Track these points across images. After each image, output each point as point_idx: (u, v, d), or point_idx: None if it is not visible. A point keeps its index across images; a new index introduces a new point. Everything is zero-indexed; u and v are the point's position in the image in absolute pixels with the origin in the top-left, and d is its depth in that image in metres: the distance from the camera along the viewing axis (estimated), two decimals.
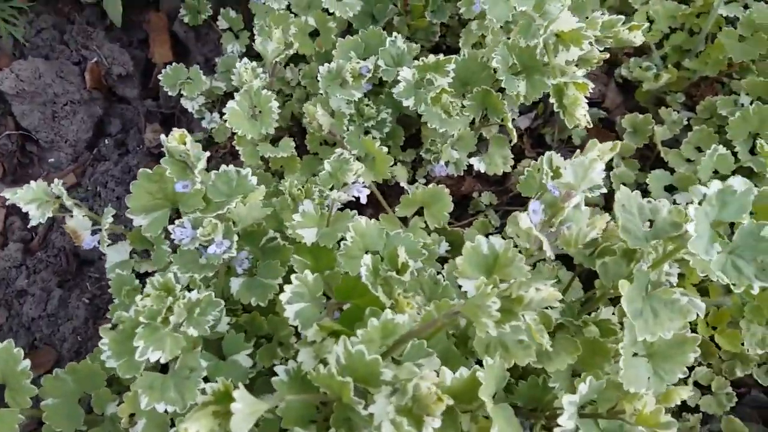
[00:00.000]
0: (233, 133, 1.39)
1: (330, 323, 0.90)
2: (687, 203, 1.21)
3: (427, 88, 1.32)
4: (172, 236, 1.04)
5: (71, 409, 1.13)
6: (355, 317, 0.94)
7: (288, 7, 1.66)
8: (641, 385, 0.99)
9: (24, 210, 1.23)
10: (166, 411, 0.93)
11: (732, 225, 0.98)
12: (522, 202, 1.64)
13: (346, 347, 0.78)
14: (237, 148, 1.40)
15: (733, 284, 0.93)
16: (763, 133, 1.50)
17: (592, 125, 1.75)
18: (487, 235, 1.01)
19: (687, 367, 1.39)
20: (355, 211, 1.18)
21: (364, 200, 1.08)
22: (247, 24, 1.93)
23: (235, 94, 1.38)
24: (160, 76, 1.76)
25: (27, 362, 1.06)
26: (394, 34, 1.45)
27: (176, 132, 1.07)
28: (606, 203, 1.55)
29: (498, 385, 0.94)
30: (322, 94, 1.41)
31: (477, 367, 0.91)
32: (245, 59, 1.39)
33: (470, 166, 1.51)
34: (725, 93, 1.72)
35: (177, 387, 0.94)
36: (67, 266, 1.73)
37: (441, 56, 1.36)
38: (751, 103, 1.55)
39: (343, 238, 1.04)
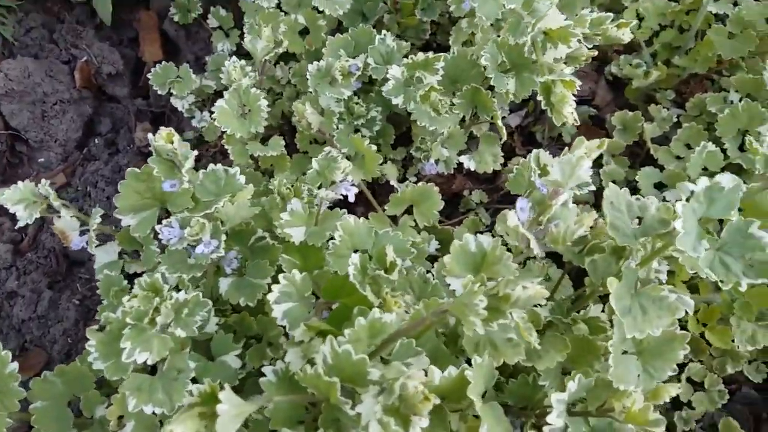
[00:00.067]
0: (223, 132, 1.38)
1: (317, 323, 0.90)
2: (675, 200, 1.22)
3: (416, 86, 1.32)
4: (160, 236, 1.04)
5: (60, 411, 1.12)
6: (344, 317, 0.94)
7: (278, 5, 1.65)
8: (631, 383, 0.99)
9: (11, 211, 1.22)
10: (154, 413, 0.92)
11: (721, 222, 0.98)
12: (513, 200, 1.63)
13: (333, 347, 0.78)
14: (226, 147, 1.39)
15: (721, 281, 0.93)
16: (752, 130, 1.51)
17: (582, 123, 1.76)
18: (477, 234, 1.01)
19: (679, 364, 1.40)
20: (345, 210, 1.18)
21: (352, 198, 1.08)
22: (237, 22, 1.92)
23: (224, 92, 1.38)
24: (149, 75, 1.75)
25: (15, 365, 1.05)
26: (384, 32, 1.45)
27: (163, 131, 1.07)
28: (596, 201, 1.55)
29: (487, 384, 0.94)
30: (311, 92, 1.40)
31: (466, 366, 0.91)
32: (234, 57, 1.39)
33: (460, 164, 1.51)
34: (715, 90, 1.72)
35: (165, 388, 0.93)
36: (57, 267, 1.72)
37: (430, 54, 1.35)
38: (740, 100, 1.56)
39: (331, 237, 1.04)
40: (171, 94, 1.75)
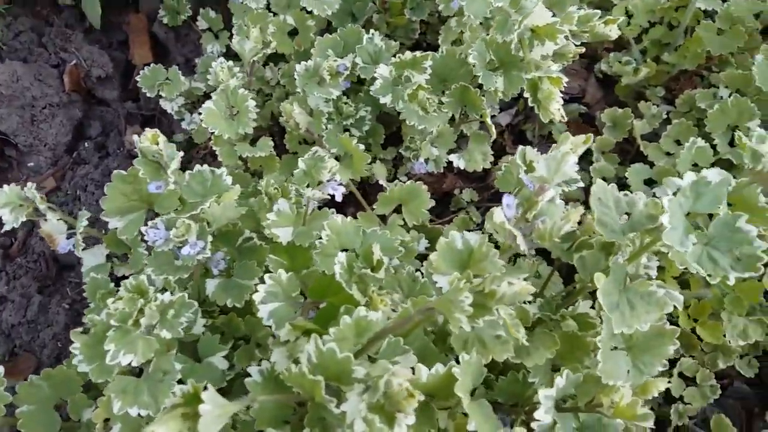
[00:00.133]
0: (213, 134, 1.38)
1: (303, 322, 0.89)
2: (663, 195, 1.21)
3: (404, 85, 1.32)
4: (146, 237, 1.03)
5: (47, 415, 1.11)
6: (330, 316, 0.93)
7: (267, 7, 1.65)
8: (620, 378, 0.98)
9: None
10: (139, 415, 0.91)
11: (711, 217, 0.97)
12: None
13: (318, 345, 0.78)
14: (214, 148, 1.39)
15: (709, 275, 0.93)
16: (742, 125, 1.51)
17: (572, 120, 1.76)
18: (466, 232, 1.00)
19: (671, 359, 1.39)
20: (333, 210, 1.17)
21: (339, 198, 1.07)
22: (226, 24, 1.92)
23: (212, 94, 1.37)
24: (138, 77, 1.74)
25: (0, 369, 1.05)
26: (372, 31, 1.45)
27: (149, 132, 1.06)
28: (586, 198, 1.55)
29: (475, 381, 0.94)
30: (299, 92, 1.40)
31: (453, 363, 0.90)
32: (221, 58, 1.38)
33: (450, 164, 1.50)
34: (704, 86, 1.73)
35: (150, 390, 0.92)
36: (47, 272, 1.71)
37: (418, 53, 1.35)
38: (729, 96, 1.56)
39: (319, 237, 1.03)
40: (160, 97, 1.74)
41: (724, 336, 1.35)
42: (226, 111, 1.37)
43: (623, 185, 1.53)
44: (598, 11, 1.32)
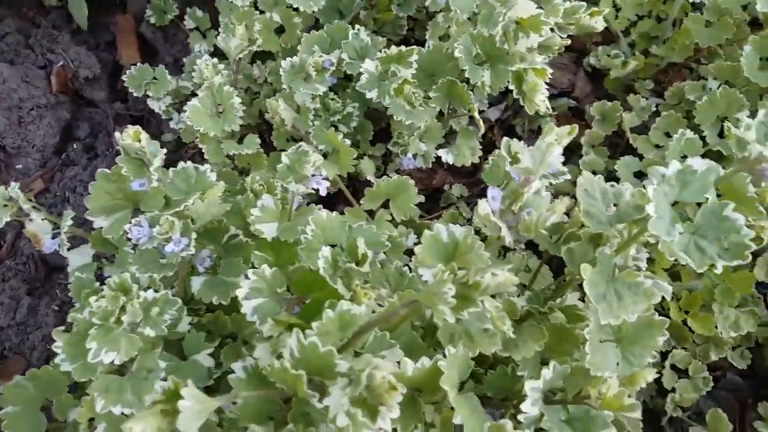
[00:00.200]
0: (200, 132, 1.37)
1: (286, 317, 0.88)
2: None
3: (390, 79, 1.31)
4: (129, 235, 1.02)
5: (33, 416, 1.10)
6: (315, 311, 0.92)
7: (254, 4, 1.64)
8: (609, 370, 0.97)
9: None
10: (123, 414, 0.90)
11: (700, 206, 0.97)
12: None
13: (299, 340, 0.77)
14: (200, 146, 1.38)
15: (696, 265, 0.92)
16: (731, 116, 1.50)
17: (562, 115, 1.75)
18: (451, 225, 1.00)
19: (663, 351, 1.39)
20: (320, 206, 1.17)
21: (323, 192, 1.06)
22: (214, 23, 1.91)
23: (198, 91, 1.37)
24: (124, 77, 1.73)
25: None
26: (357, 26, 1.44)
27: (131, 129, 1.05)
28: (576, 191, 1.54)
29: (462, 375, 0.93)
30: (285, 89, 1.39)
31: (439, 356, 0.90)
32: (206, 56, 1.38)
33: (440, 159, 1.50)
34: (693, 78, 1.72)
35: (134, 389, 0.91)
36: (35, 273, 1.70)
37: (404, 48, 1.34)
38: (718, 88, 1.55)
39: (304, 232, 1.02)
40: (147, 96, 1.73)
41: (716, 327, 1.34)
42: (212, 109, 1.36)
43: (613, 178, 1.52)
44: (584, 3, 1.32)
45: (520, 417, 0.88)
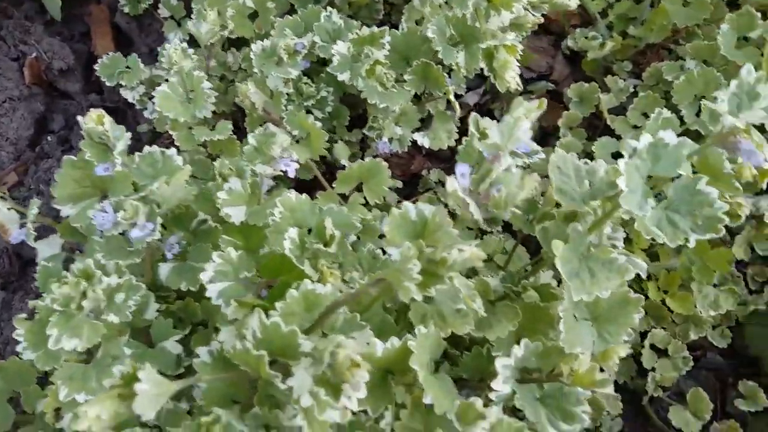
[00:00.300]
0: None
1: (251, 299, 0.86)
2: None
3: (363, 61, 1.29)
4: (93, 221, 1.00)
5: (0, 408, 1.08)
6: (282, 294, 0.90)
7: None
8: (584, 348, 0.96)
9: None
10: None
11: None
12: None
13: (261, 320, 0.75)
14: (171, 132, 1.35)
15: (669, 239, 0.91)
16: (709, 95, 1.49)
17: (539, 98, 1.74)
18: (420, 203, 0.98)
19: (643, 331, 1.38)
20: (293, 190, 1.14)
21: (291, 174, 1.04)
22: (189, 11, 1.87)
23: (167, 77, 1.34)
24: (96, 66, 1.70)
25: None
26: (329, 8, 1.42)
27: (93, 112, 1.03)
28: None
29: (433, 355, 0.92)
30: (257, 73, 1.37)
31: (409, 336, 0.88)
32: (176, 40, 1.35)
33: (417, 144, 1.48)
34: (672, 59, 1.71)
35: (99, 376, 0.90)
36: (10, 268, 1.67)
37: (376, 29, 1.32)
38: (696, 67, 1.54)
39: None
40: (120, 86, 1.70)
41: (695, 307, 1.34)
42: (183, 94, 1.34)
43: (591, 160, 1.51)
44: None
45: (491, 395, 0.87)
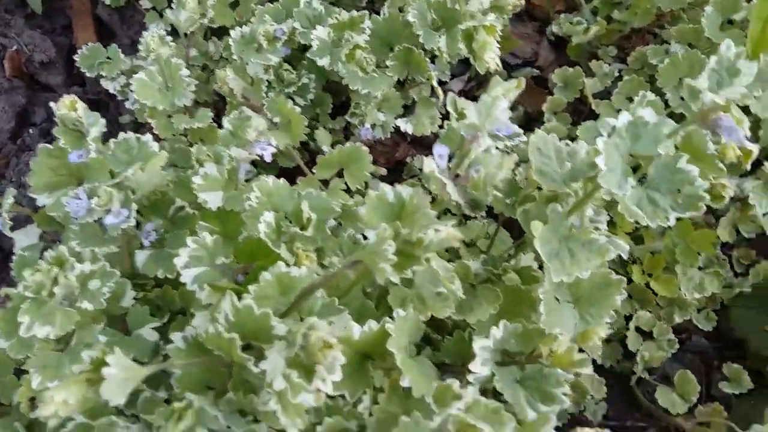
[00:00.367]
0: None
1: (225, 284, 0.85)
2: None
3: (343, 45, 1.28)
4: (66, 208, 0.98)
5: None
6: (258, 278, 0.89)
7: None
8: (565, 329, 0.96)
9: None
10: None
11: None
12: None
13: (234, 303, 0.74)
14: (149, 121, 1.34)
15: (649, 217, 0.90)
16: (693, 77, 1.48)
17: (525, 84, 1.73)
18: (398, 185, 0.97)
19: (628, 314, 1.37)
20: (272, 176, 1.13)
21: (268, 158, 1.03)
22: (171, 1, 1.85)
23: (146, 65, 1.32)
24: (76, 57, 1.68)
25: None
26: None
27: (66, 98, 1.01)
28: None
29: (412, 338, 0.91)
30: (236, 59, 1.35)
31: (387, 319, 0.87)
32: (153, 28, 1.33)
33: (401, 131, 1.47)
34: (657, 43, 1.70)
35: (72, 364, 0.88)
36: None
37: (356, 13, 1.31)
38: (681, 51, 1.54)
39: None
40: (101, 77, 1.68)
41: (680, 289, 1.33)
42: (162, 82, 1.32)
43: None
44: None
45: (469, 377, 0.86)
